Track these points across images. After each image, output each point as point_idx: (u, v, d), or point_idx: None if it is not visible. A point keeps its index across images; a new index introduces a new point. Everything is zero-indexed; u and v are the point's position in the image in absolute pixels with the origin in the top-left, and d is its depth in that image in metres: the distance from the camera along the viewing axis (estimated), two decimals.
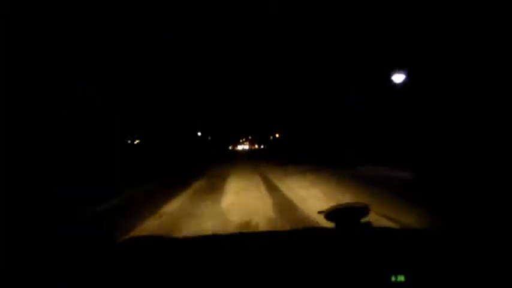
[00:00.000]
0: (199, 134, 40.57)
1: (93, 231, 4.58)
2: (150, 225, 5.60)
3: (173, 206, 7.43)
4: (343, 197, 7.84)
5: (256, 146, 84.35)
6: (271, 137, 63.54)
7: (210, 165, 20.32)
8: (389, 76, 14.80)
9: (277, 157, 29.38)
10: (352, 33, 19.01)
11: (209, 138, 51.37)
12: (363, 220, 1.36)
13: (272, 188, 9.80)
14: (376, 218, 4.52)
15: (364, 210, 1.38)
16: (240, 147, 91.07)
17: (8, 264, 1.18)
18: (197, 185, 11.33)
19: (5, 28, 10.70)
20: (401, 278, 0.94)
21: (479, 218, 4.59)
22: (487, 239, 1.23)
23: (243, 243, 1.40)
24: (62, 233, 4.55)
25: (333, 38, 21.51)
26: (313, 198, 7.86)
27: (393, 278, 0.94)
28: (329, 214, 1.41)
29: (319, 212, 1.49)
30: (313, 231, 1.69)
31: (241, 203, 7.49)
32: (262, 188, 9.89)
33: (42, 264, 1.21)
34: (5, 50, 10.63)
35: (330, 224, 1.42)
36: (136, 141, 28.21)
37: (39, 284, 1.07)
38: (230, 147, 79.52)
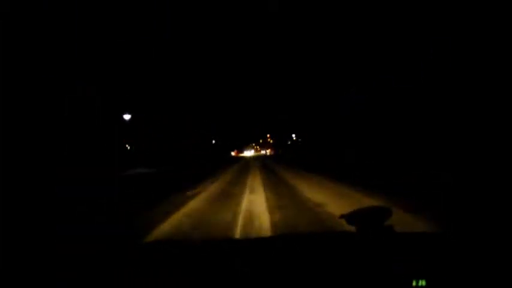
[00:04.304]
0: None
1: (93, 231, 4.57)
2: None
3: None
4: None
5: (265, 152, 74.20)
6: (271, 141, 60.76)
7: None
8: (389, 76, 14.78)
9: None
10: (352, 34, 19.01)
11: (213, 141, 48.66)
12: (386, 223, 1.35)
13: None
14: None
15: (387, 213, 1.37)
16: (247, 153, 78.39)
17: (8, 264, 1.18)
18: None
19: (5, 28, 10.69)
20: (422, 283, 0.95)
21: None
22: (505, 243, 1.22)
23: (259, 248, 1.38)
24: (62, 233, 4.54)
25: (333, 38, 21.52)
26: None
27: (414, 283, 0.95)
28: (350, 217, 1.42)
29: (341, 216, 1.46)
30: (334, 235, 1.67)
31: None
32: None
33: (42, 264, 1.21)
34: (5, 50, 10.62)
35: (351, 228, 1.41)
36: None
37: (39, 284, 1.07)
38: (233, 153, 67.07)
